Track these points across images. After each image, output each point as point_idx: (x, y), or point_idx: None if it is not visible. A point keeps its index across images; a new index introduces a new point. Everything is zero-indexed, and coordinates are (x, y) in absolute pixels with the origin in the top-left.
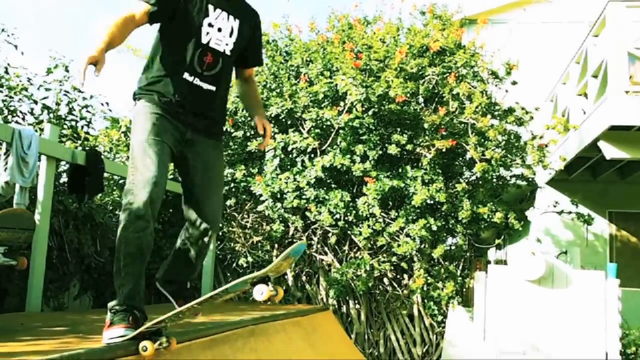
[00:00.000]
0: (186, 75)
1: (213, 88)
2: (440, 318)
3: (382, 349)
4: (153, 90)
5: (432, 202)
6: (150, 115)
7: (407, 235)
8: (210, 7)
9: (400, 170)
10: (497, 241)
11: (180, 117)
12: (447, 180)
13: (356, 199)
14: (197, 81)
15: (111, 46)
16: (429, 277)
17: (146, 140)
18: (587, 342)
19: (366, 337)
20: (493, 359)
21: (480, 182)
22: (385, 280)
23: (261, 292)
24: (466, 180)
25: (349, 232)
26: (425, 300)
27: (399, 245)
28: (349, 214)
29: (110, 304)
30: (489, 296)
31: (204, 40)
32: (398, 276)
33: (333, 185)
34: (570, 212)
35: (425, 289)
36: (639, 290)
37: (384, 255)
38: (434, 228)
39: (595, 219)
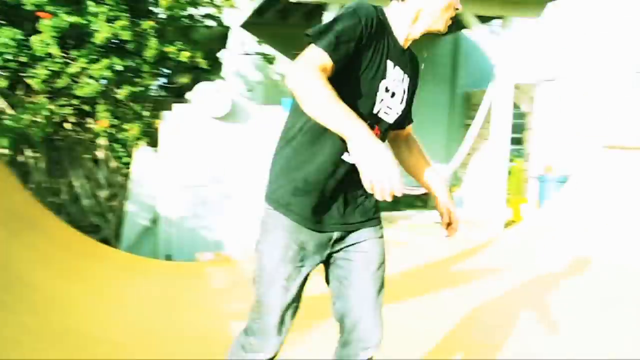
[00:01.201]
0: (346, 157)
1: None
2: (127, 160)
3: (67, 196)
4: (291, 201)
5: (117, 40)
6: (285, 236)
7: (90, 76)
8: (390, 63)
9: (80, 5)
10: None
11: (326, 220)
12: (134, 18)
13: (30, 37)
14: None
15: None
16: (114, 119)
17: (276, 270)
18: (262, 169)
19: (47, 185)
20: (177, 192)
21: (169, 21)
22: (68, 125)
23: None
24: (155, 19)
25: (22, 74)
26: (112, 143)
27: (81, 87)
28: (22, 55)
29: None
30: (175, 134)
31: (376, 110)
32: (82, 120)
33: (2, 22)
34: (257, 54)
35: (111, 132)
36: None
37: (65, 98)
38: (120, 68)
39: (281, 59)
